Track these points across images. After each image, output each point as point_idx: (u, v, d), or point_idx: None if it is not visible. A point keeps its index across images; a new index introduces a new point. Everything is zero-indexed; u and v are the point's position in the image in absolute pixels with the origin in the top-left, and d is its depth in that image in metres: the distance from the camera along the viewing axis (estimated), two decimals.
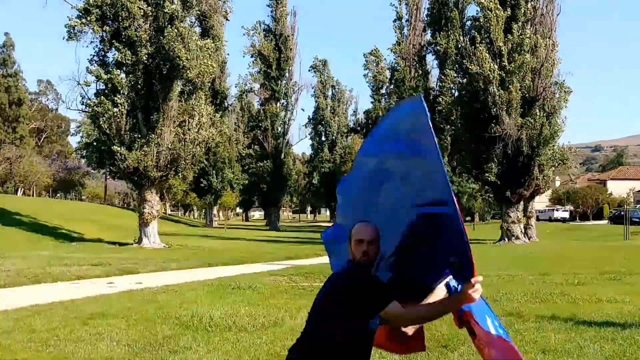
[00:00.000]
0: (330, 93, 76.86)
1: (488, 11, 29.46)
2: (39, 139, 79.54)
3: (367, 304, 2.66)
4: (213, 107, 31.40)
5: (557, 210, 64.40)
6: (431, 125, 2.78)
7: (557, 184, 73.44)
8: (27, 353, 6.15)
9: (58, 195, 77.51)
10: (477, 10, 31.28)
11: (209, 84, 30.80)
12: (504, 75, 29.53)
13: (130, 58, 24.46)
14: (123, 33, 24.58)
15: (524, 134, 29.53)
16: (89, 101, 25.40)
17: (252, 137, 58.24)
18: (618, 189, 67.40)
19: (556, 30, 31.16)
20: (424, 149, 2.85)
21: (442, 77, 44.99)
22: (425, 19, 48.24)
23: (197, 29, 33.49)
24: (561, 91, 30.55)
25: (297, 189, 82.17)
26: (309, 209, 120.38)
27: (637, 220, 44.74)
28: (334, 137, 75.79)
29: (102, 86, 25.37)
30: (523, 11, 29.85)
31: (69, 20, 24.70)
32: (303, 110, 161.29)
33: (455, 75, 34.98)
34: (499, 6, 29.46)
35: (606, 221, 55.02)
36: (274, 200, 59.33)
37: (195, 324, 7.59)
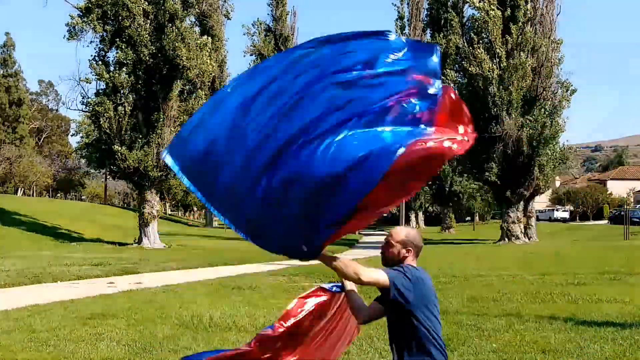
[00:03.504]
0: None
1: (484, 13, 29.46)
2: (39, 139, 79.50)
3: None
4: None
5: (557, 210, 64.41)
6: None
7: (557, 184, 73.43)
8: (27, 353, 6.15)
9: (58, 195, 77.50)
10: (474, 13, 31.35)
11: (209, 84, 30.81)
12: (503, 75, 29.53)
13: (131, 57, 24.48)
14: (124, 32, 24.61)
15: (524, 133, 29.52)
16: (89, 100, 25.45)
17: None
18: (618, 189, 67.40)
19: (556, 30, 31.18)
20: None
21: (442, 77, 45.00)
22: (425, 19, 48.31)
23: (197, 29, 33.51)
24: (564, 90, 30.51)
25: None
26: None
27: (637, 220, 44.73)
28: None
29: (103, 85, 25.42)
30: (523, 11, 29.83)
31: (71, 19, 24.74)
32: None
33: (455, 75, 34.99)
34: (495, 8, 29.41)
35: (606, 221, 55.02)
36: None
37: (195, 324, 7.58)
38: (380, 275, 2.77)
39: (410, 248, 2.96)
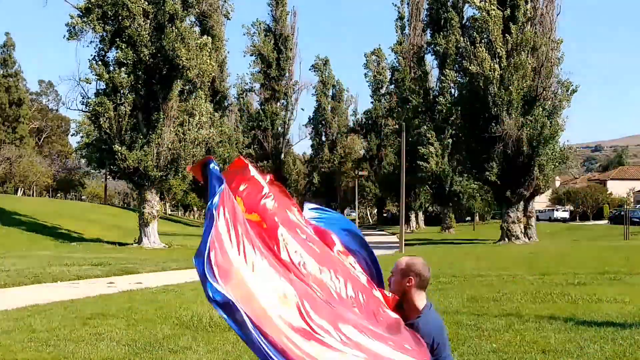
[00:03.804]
0: (331, 92, 76.92)
1: (485, 13, 29.44)
2: (39, 139, 79.50)
3: None
4: (213, 106, 31.41)
5: (557, 210, 64.41)
6: None
7: (557, 184, 73.42)
8: (27, 353, 6.15)
9: (58, 195, 77.50)
10: (474, 13, 31.32)
11: (209, 84, 30.78)
12: (504, 75, 29.51)
13: (131, 57, 24.47)
14: (124, 32, 24.60)
15: (524, 133, 29.51)
16: (89, 100, 25.45)
17: (252, 137, 58.26)
18: (618, 189, 67.39)
19: (556, 30, 31.17)
20: None
21: (442, 77, 45.08)
22: (425, 19, 48.34)
23: (197, 29, 33.50)
24: (565, 90, 30.49)
25: (297, 189, 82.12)
26: None
27: (637, 220, 44.71)
28: (334, 137, 75.81)
29: (103, 85, 25.42)
30: (523, 11, 29.82)
31: (71, 19, 24.74)
32: (303, 110, 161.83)
33: (455, 75, 34.99)
34: (495, 7, 29.38)
35: (606, 221, 55.01)
36: None
37: (195, 324, 7.58)
38: None
39: (411, 277, 2.86)
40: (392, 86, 55.33)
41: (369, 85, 64.60)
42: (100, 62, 25.36)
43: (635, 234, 33.81)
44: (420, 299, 2.87)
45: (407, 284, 2.86)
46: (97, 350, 6.28)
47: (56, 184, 70.50)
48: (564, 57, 31.06)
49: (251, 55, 56.94)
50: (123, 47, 24.50)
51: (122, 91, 24.99)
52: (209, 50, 26.17)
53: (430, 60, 49.44)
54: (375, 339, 2.45)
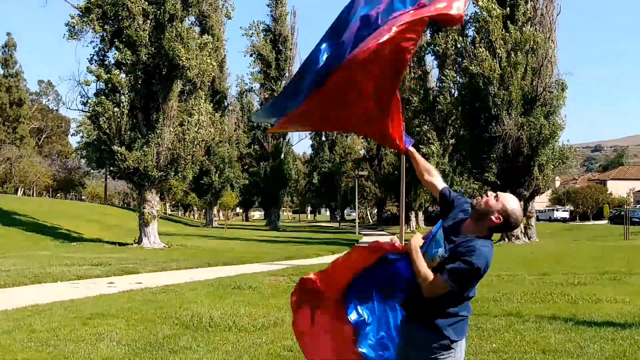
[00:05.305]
0: None
1: (486, 12, 29.44)
2: (39, 139, 79.55)
3: None
4: (213, 106, 31.39)
5: (557, 210, 64.42)
6: None
7: (557, 184, 73.44)
8: (27, 353, 6.15)
9: (58, 195, 77.50)
10: (475, 11, 31.25)
11: (209, 84, 30.77)
12: (504, 75, 29.51)
13: (130, 58, 24.46)
14: (123, 32, 24.60)
15: (524, 133, 29.52)
16: (89, 100, 25.44)
17: (252, 137, 58.28)
18: (618, 189, 67.45)
19: (556, 30, 31.16)
20: None
21: (442, 77, 45.06)
22: None
23: (197, 29, 33.48)
24: (558, 89, 30.51)
25: (297, 189, 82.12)
26: (309, 209, 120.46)
27: (637, 220, 44.73)
28: (334, 137, 75.83)
29: (102, 86, 25.39)
30: (522, 11, 29.83)
31: (71, 18, 24.74)
32: None
33: (455, 75, 34.97)
34: (496, 7, 29.37)
35: (606, 221, 55.03)
36: (274, 200, 59.34)
37: (195, 324, 7.59)
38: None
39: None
40: None
41: None
42: (99, 63, 25.35)
43: (635, 234, 33.82)
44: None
45: (497, 222, 3.11)
46: (97, 350, 6.29)
47: (56, 184, 70.49)
48: (564, 57, 31.11)
49: (250, 55, 56.93)
50: (121, 47, 24.49)
51: (121, 91, 24.98)
52: (209, 50, 26.15)
53: (430, 60, 49.45)
54: None
